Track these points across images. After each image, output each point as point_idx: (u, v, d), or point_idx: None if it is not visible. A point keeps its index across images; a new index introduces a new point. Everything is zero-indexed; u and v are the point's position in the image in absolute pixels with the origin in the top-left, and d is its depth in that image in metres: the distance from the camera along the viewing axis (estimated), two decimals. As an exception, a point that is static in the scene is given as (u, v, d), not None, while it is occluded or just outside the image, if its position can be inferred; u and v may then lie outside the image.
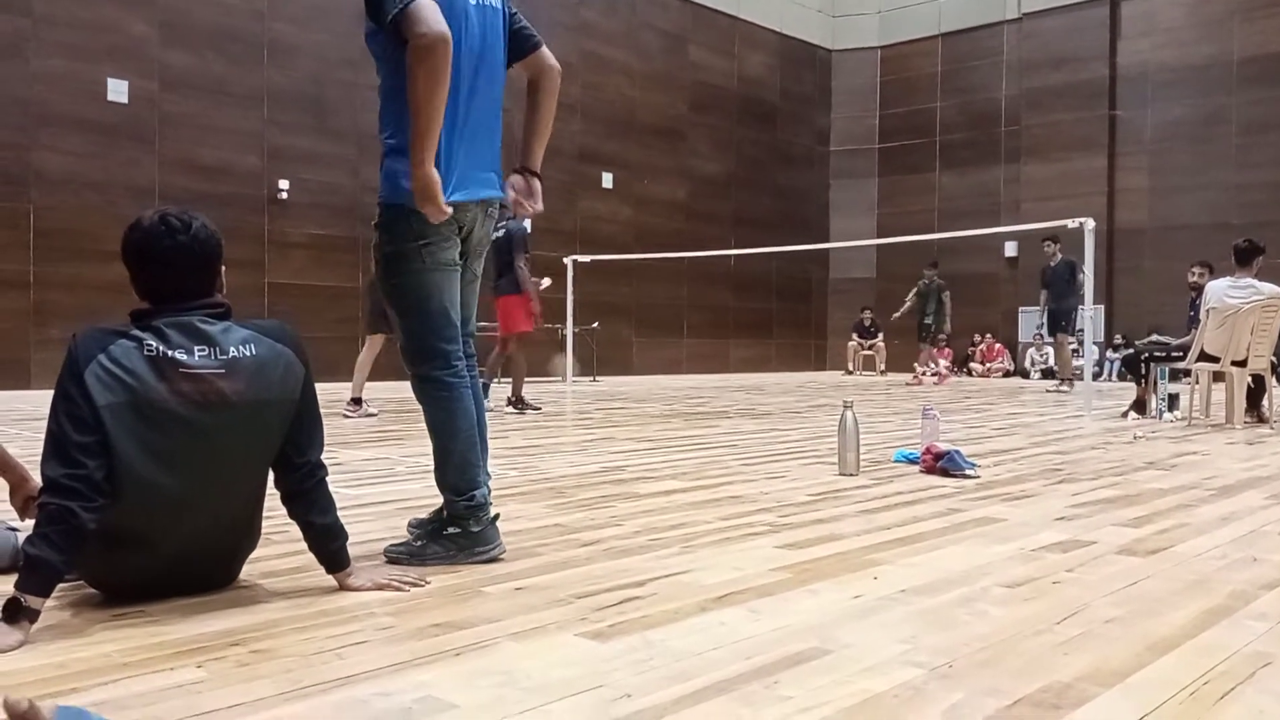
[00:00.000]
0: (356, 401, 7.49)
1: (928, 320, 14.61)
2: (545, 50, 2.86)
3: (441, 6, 2.53)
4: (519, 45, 2.82)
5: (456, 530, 2.68)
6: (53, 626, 2.04)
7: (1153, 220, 16.97)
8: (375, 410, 7.65)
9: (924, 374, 14.88)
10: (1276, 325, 7.59)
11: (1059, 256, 12.89)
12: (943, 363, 17.03)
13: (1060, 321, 12.89)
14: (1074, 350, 13.78)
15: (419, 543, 2.71)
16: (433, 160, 2.50)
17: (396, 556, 2.67)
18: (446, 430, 2.70)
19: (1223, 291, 7.56)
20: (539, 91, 2.85)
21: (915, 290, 14.86)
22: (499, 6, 2.76)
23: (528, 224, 8.11)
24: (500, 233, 7.81)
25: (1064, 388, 12.85)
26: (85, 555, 2.09)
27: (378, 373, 7.84)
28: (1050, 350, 13.98)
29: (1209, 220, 16.02)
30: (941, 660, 1.89)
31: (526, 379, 8.46)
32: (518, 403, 8.14)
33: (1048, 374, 17.06)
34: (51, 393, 2.11)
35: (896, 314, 15.19)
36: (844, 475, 4.46)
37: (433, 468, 2.76)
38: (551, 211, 15.40)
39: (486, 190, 2.75)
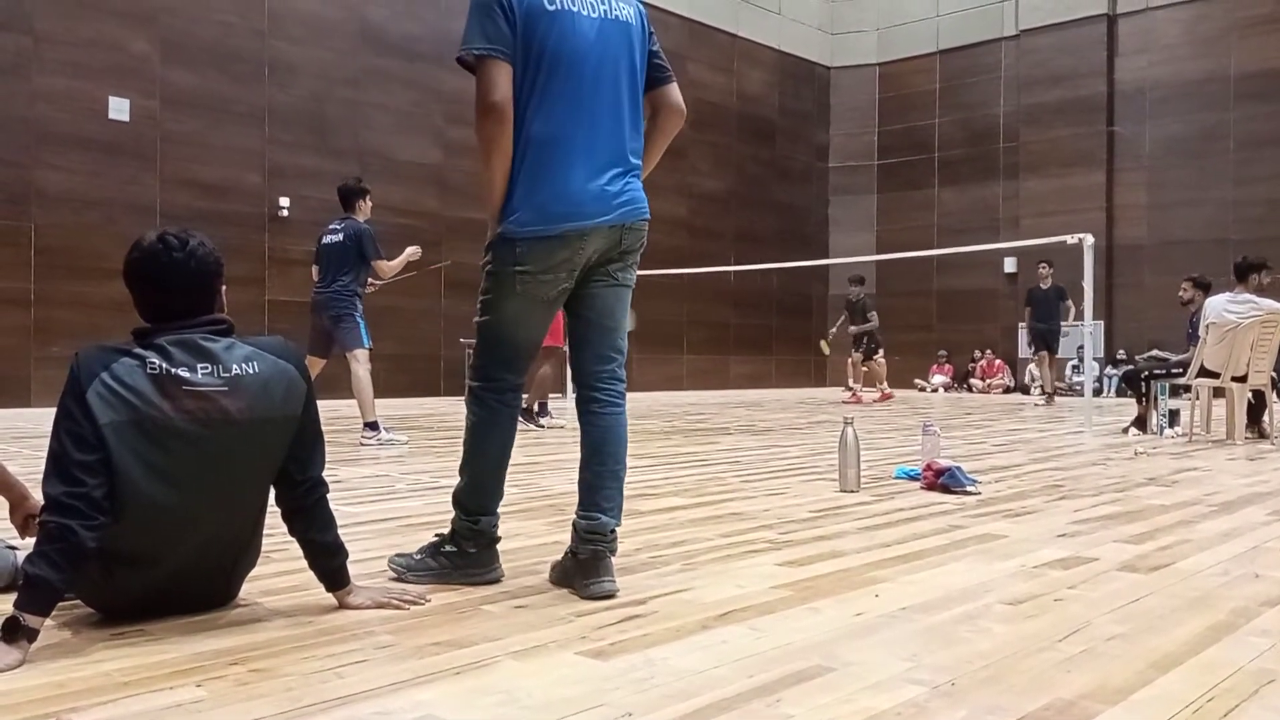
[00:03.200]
0: (370, 426, 7.18)
1: (862, 334, 14.33)
2: (673, 88, 2.82)
3: (546, 17, 2.48)
4: (650, 75, 2.74)
5: (454, 549, 2.67)
6: (52, 645, 2.03)
7: (1151, 236, 17.01)
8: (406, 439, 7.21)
9: (859, 389, 14.50)
10: (1276, 341, 7.59)
11: (1050, 281, 13.44)
12: (938, 379, 17.01)
13: (1048, 340, 13.55)
14: (1074, 366, 13.94)
15: (418, 555, 2.71)
16: (498, 208, 2.54)
17: (396, 568, 2.69)
18: (473, 448, 2.68)
19: (1222, 307, 7.56)
20: (653, 128, 2.78)
21: (845, 307, 14.54)
22: (631, 22, 2.65)
23: None
24: None
25: (1038, 399, 13.79)
26: (85, 574, 2.08)
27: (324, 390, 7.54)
28: (1045, 367, 14.16)
29: (1208, 236, 16.06)
30: (944, 678, 1.88)
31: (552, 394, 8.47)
32: (527, 414, 8.06)
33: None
34: (52, 411, 2.11)
35: (833, 330, 14.74)
36: (845, 492, 4.45)
37: (457, 484, 2.73)
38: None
39: (616, 215, 2.57)
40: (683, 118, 2.87)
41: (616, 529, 2.62)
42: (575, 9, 2.53)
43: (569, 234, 2.51)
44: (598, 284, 2.64)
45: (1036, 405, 13.40)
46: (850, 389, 14.27)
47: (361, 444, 6.74)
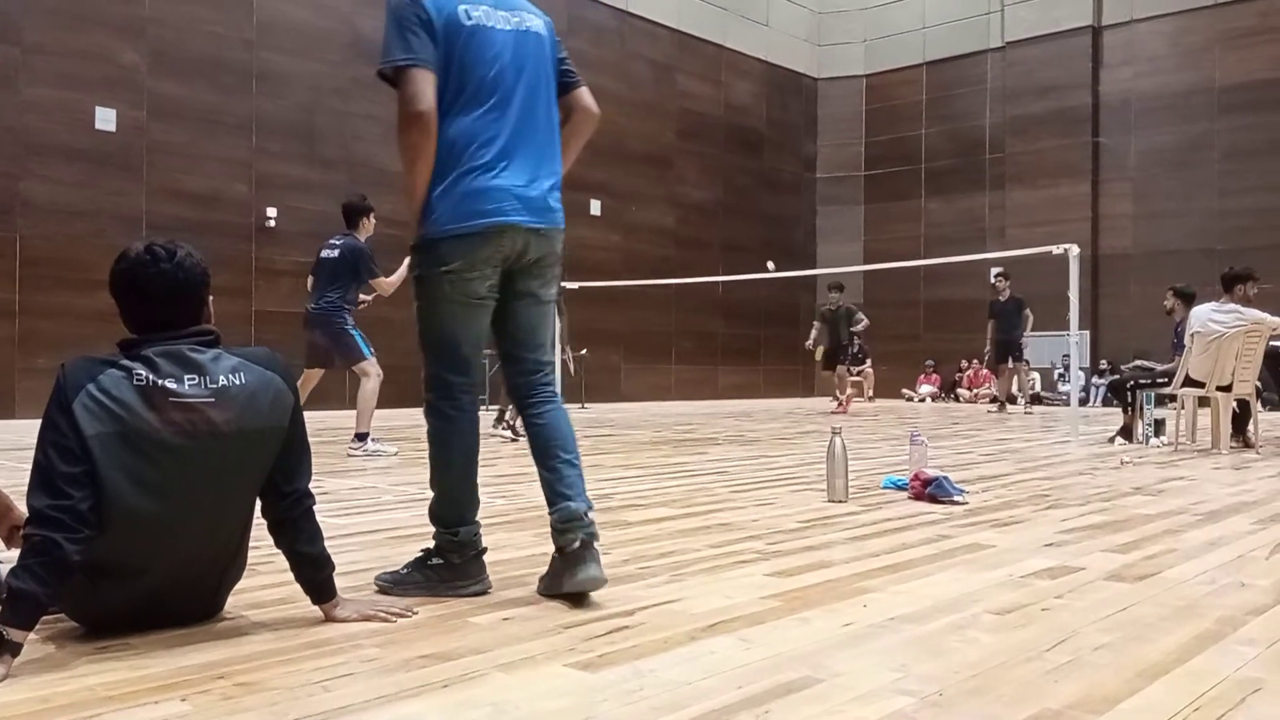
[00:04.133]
0: (359, 437, 7.06)
1: (844, 342, 14.06)
2: (585, 91, 2.89)
3: (465, 32, 2.57)
4: (561, 81, 2.83)
5: (440, 562, 2.66)
6: (35, 660, 2.02)
7: (1137, 246, 17.12)
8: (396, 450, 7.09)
9: (847, 398, 14.33)
10: (1261, 350, 7.64)
11: (1008, 292, 13.65)
12: (925, 389, 17.04)
13: (1013, 350, 13.72)
14: (1060, 375, 14.02)
15: (405, 570, 2.71)
16: (419, 215, 2.61)
17: (382, 584, 2.68)
18: (438, 461, 2.71)
19: (1207, 317, 7.61)
20: (569, 131, 2.86)
21: (818, 317, 14.23)
22: (543, 34, 2.76)
23: None
24: None
25: (1010, 410, 13.75)
26: (70, 587, 2.07)
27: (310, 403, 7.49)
28: (1022, 376, 14.24)
29: (1193, 246, 16.18)
30: (932, 688, 1.88)
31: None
32: (501, 422, 8.10)
33: (1036, 399, 17.16)
34: (37, 422, 2.10)
35: (808, 343, 14.40)
36: (833, 502, 4.46)
37: (431, 502, 2.75)
38: (540, 239, 15.49)
39: (536, 218, 2.65)
40: (596, 120, 2.93)
41: (591, 513, 2.65)
42: (491, 24, 2.63)
43: (489, 230, 2.58)
44: (522, 302, 2.73)
45: (1026, 413, 13.51)
46: (838, 399, 14.19)
47: (349, 454, 6.72)
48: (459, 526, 2.67)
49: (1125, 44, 17.40)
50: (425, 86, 2.52)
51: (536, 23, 2.76)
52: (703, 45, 18.46)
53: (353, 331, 7.04)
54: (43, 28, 10.89)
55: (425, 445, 2.75)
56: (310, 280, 7.20)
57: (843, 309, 14.07)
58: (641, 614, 2.44)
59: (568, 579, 2.54)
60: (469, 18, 2.58)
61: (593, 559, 2.56)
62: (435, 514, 2.70)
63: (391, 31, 2.54)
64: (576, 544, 2.57)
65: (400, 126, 2.54)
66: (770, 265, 16.02)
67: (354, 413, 7.07)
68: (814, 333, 14.08)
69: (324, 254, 7.10)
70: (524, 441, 7.80)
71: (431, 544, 2.72)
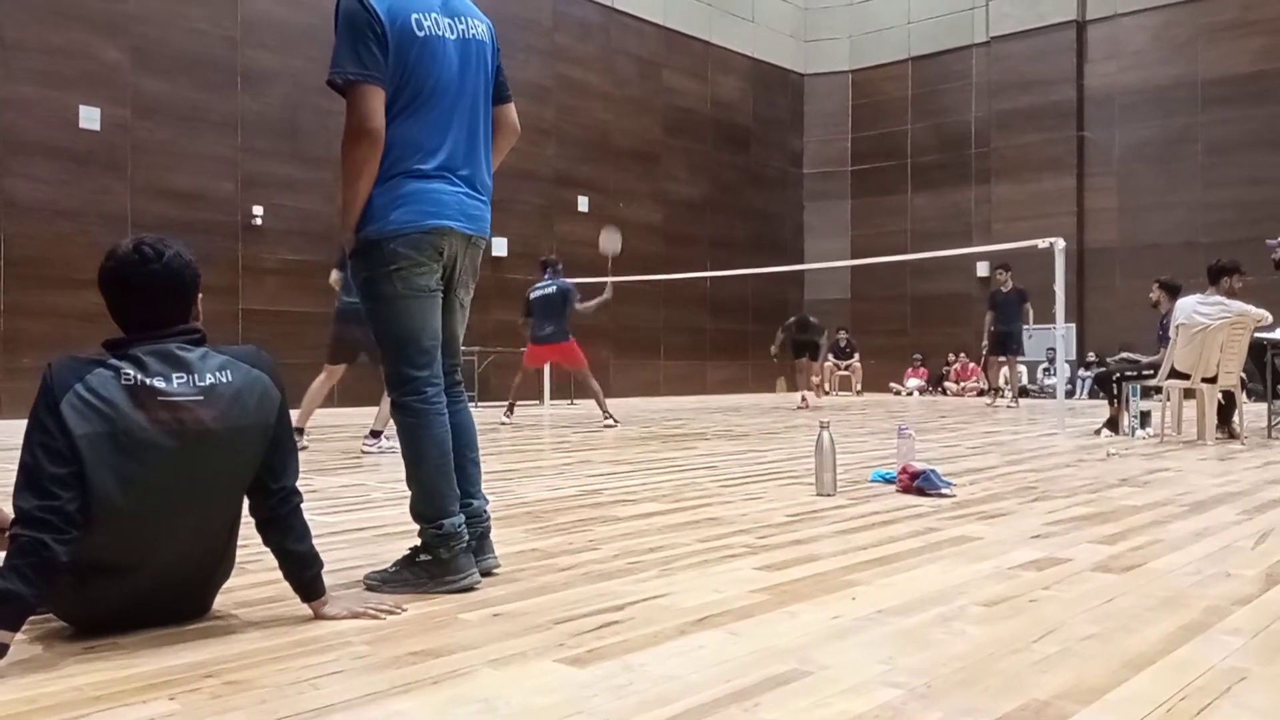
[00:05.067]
0: (298, 431, 7.08)
1: (814, 339, 14.09)
2: (511, 109, 2.94)
3: (417, 43, 2.60)
4: (494, 93, 2.86)
5: (428, 558, 2.65)
6: (22, 661, 2.01)
7: (1122, 239, 17.20)
8: (307, 444, 7.09)
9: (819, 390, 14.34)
10: (1245, 342, 7.69)
11: (1010, 284, 13.60)
12: (913, 382, 17.10)
13: (1010, 344, 13.67)
14: (1046, 368, 14.04)
15: (394, 568, 2.70)
16: (354, 226, 2.64)
17: (371, 583, 2.67)
18: (413, 456, 2.71)
19: (1192, 309, 7.65)
20: (493, 145, 2.90)
21: (788, 326, 14.17)
22: (485, 40, 2.80)
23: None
24: (553, 289, 9.88)
25: (999, 402, 13.94)
26: (57, 587, 2.06)
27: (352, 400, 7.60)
28: (1012, 369, 14.18)
29: (1177, 239, 16.27)
30: (920, 680, 1.89)
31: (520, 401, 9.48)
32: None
33: (1022, 392, 17.23)
34: (22, 423, 2.09)
35: (773, 348, 14.25)
36: (821, 496, 4.47)
37: (411, 499, 2.74)
38: (528, 235, 15.54)
39: (471, 225, 2.74)
40: (517, 137, 3.00)
41: (489, 507, 2.91)
42: (441, 33, 2.69)
43: (434, 230, 2.64)
44: (449, 311, 2.82)
45: (1009, 407, 13.50)
46: (805, 396, 14.27)
47: (363, 451, 6.79)
48: (442, 519, 2.66)
49: (1109, 38, 17.47)
50: (375, 103, 2.55)
51: (481, 29, 2.81)
52: (689, 41, 18.46)
53: None
54: (22, 25, 10.81)
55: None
56: (336, 276, 7.21)
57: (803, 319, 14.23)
58: (631, 609, 2.44)
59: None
60: (420, 28, 2.61)
61: (490, 549, 2.85)
62: (416, 510, 2.71)
63: (343, 40, 2.56)
64: (477, 534, 2.78)
65: (348, 141, 2.57)
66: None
67: (339, 411, 7.07)
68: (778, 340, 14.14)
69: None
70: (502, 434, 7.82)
71: (418, 541, 2.71)
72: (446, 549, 2.65)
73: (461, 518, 2.72)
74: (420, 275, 2.65)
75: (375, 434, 6.91)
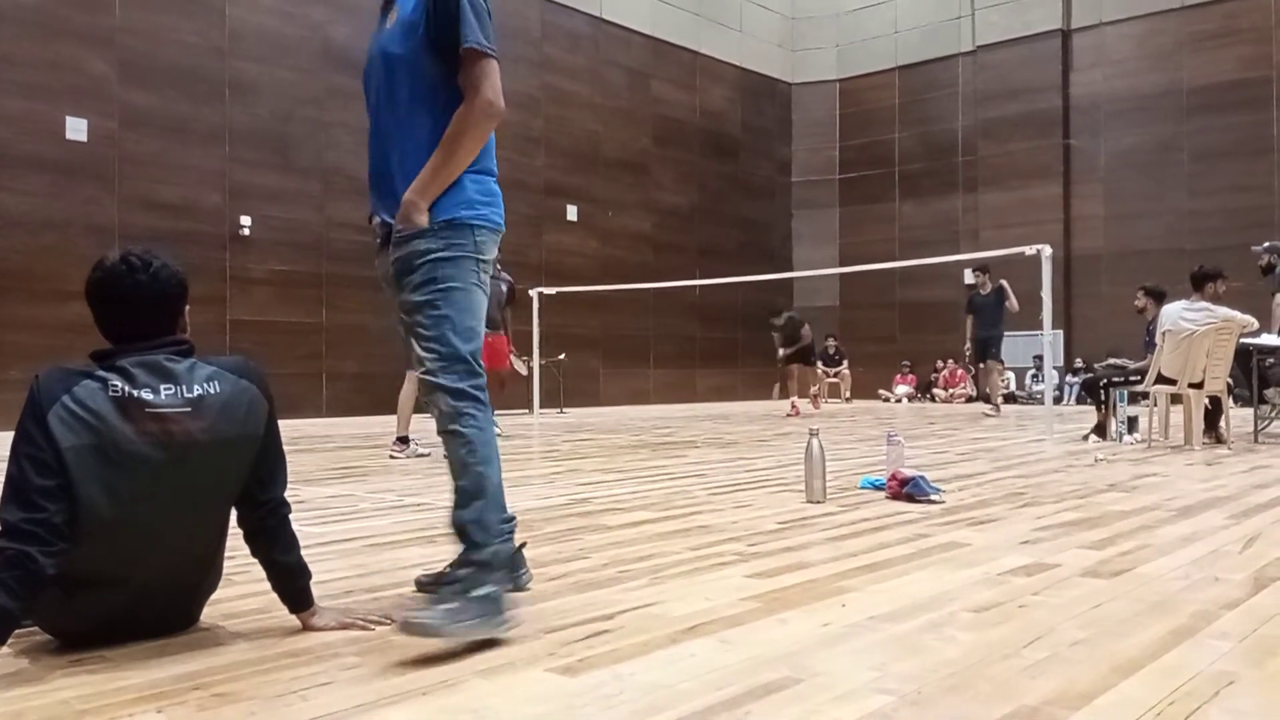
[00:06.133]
0: (403, 440, 7.13)
1: (803, 346, 13.94)
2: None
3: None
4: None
5: (486, 590, 2.24)
6: (8, 675, 1.99)
7: (1109, 246, 17.29)
8: (426, 450, 7.13)
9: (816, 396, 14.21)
10: (1231, 348, 7.73)
11: (989, 285, 13.15)
12: (901, 389, 17.12)
13: (990, 348, 13.19)
14: (1034, 374, 13.91)
15: (456, 602, 2.19)
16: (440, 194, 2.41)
17: (435, 622, 2.13)
18: (486, 455, 2.38)
19: (1178, 315, 7.70)
20: None
21: (780, 329, 14.05)
22: (398, 18, 2.48)
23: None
24: (504, 286, 9.10)
25: (990, 411, 13.24)
26: (43, 600, 2.04)
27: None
28: (994, 376, 13.66)
29: (1164, 246, 16.36)
30: (910, 687, 1.89)
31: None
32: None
33: (1008, 399, 17.27)
34: (8, 434, 2.08)
35: (780, 355, 14.16)
36: (811, 503, 4.47)
37: (465, 514, 2.33)
38: (518, 245, 15.51)
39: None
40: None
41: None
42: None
43: (500, 235, 2.56)
44: None
45: (987, 415, 12.97)
46: (794, 403, 14.11)
47: (391, 457, 6.88)
48: (507, 521, 2.42)
49: (1094, 47, 17.59)
50: (500, 85, 2.41)
51: None
52: (677, 51, 18.51)
53: None
54: (9, 37, 10.77)
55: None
56: None
57: (795, 318, 14.09)
58: (621, 617, 2.44)
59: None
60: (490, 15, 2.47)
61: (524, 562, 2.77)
62: (484, 523, 2.33)
63: (472, 14, 2.38)
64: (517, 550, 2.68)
65: (474, 116, 2.35)
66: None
67: (329, 421, 7.10)
68: (778, 340, 14.02)
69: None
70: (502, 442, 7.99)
71: (466, 569, 2.29)
72: (502, 572, 2.36)
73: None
74: (486, 272, 2.52)
75: (403, 440, 7.01)
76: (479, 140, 2.39)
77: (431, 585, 2.68)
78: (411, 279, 2.38)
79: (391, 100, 2.44)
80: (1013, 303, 12.91)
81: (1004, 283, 12.98)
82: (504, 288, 9.01)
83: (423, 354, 2.38)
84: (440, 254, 2.38)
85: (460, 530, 2.33)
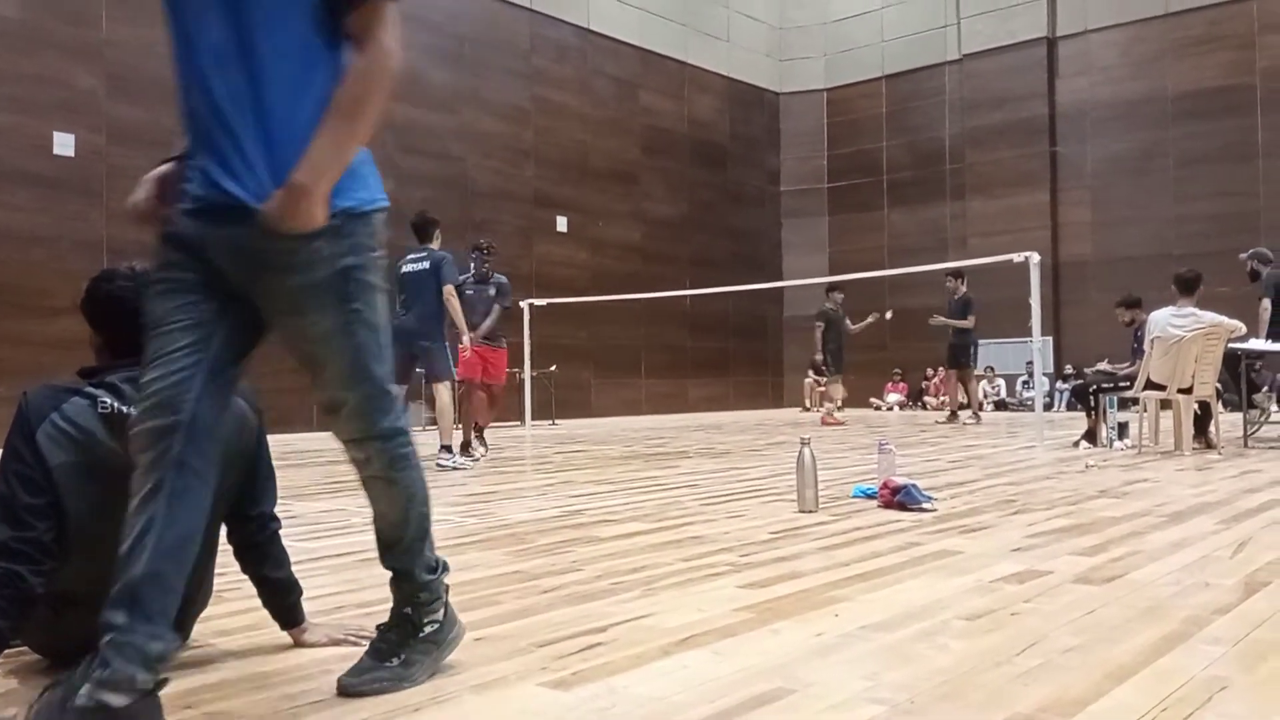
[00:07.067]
0: (461, 448, 7.49)
1: (832, 347, 13.28)
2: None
3: None
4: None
5: (435, 622, 2.09)
6: (-4, 695, 1.98)
7: (1096, 252, 17.38)
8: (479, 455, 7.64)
9: (835, 409, 13.71)
10: (1219, 353, 7.77)
11: (961, 290, 12.89)
12: (892, 397, 17.15)
13: (959, 356, 12.92)
14: (1024, 381, 13.82)
15: (398, 662, 2.03)
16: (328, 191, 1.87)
17: (377, 686, 1.99)
18: (425, 494, 2.11)
19: (1166, 321, 7.73)
20: None
21: (822, 318, 13.28)
22: None
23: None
24: (493, 290, 8.57)
25: (963, 417, 13.01)
26: (32, 619, 2.03)
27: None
28: (970, 384, 13.26)
29: (1151, 251, 16.44)
30: (903, 696, 1.89)
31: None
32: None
33: (1000, 406, 17.32)
34: (-4, 453, 2.07)
35: (818, 355, 13.67)
36: (804, 512, 4.47)
37: (398, 553, 2.10)
38: (508, 256, 15.49)
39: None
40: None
41: None
42: None
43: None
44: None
45: (966, 423, 12.75)
46: (826, 408, 13.79)
47: (439, 466, 6.98)
48: (441, 558, 2.19)
49: (1080, 54, 17.70)
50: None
51: None
52: (665, 61, 18.57)
53: (447, 347, 7.36)
54: (-3, 52, 10.76)
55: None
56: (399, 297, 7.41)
57: (839, 312, 13.31)
58: (614, 630, 2.43)
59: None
60: None
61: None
62: (428, 561, 2.12)
63: None
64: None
65: (381, 72, 1.85)
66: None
67: (319, 435, 7.12)
68: (817, 335, 13.22)
69: (407, 269, 7.37)
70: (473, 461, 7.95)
71: (407, 609, 2.09)
72: (445, 597, 2.16)
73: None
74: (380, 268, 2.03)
75: (449, 449, 7.19)
76: (382, 102, 1.88)
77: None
78: (310, 294, 1.88)
79: (241, 43, 1.84)
80: (970, 319, 12.56)
81: (969, 295, 12.71)
82: (492, 291, 8.43)
83: (343, 394, 1.96)
84: (347, 259, 1.90)
85: (407, 573, 2.10)
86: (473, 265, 8.54)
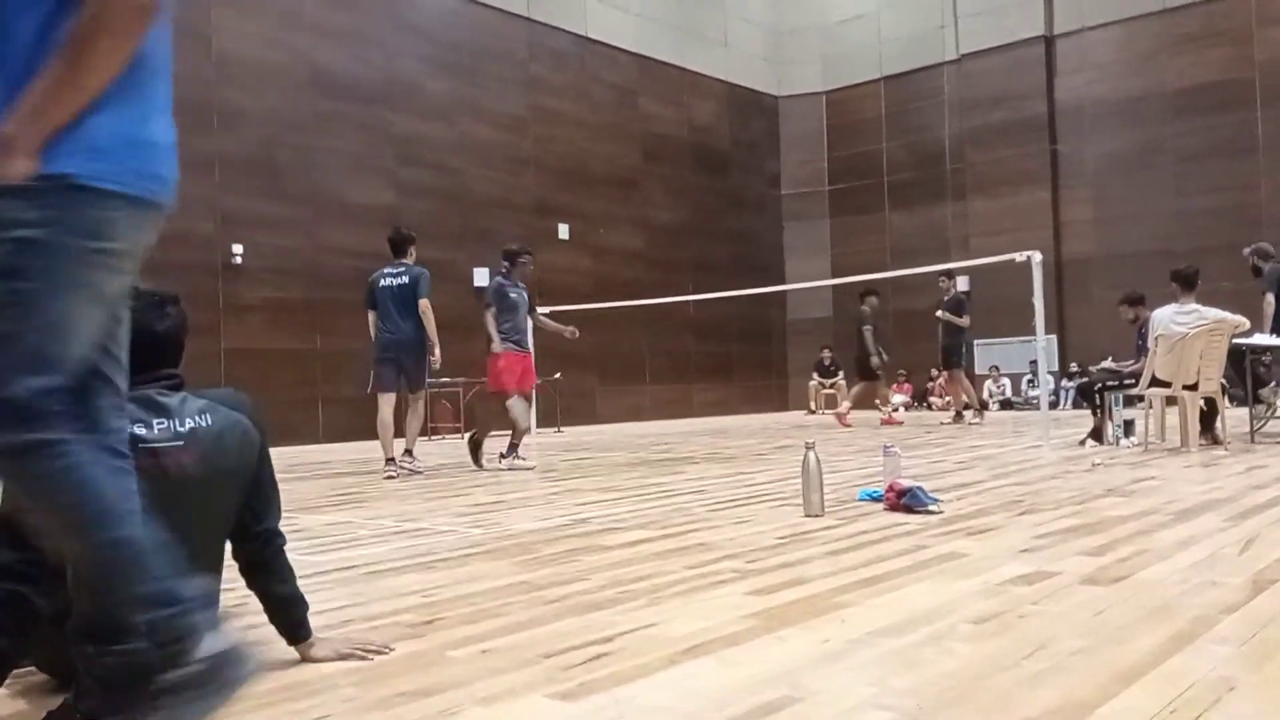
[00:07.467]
0: (407, 453, 7.63)
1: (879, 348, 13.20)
2: None
3: None
4: None
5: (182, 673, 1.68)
6: (6, 715, 1.99)
7: (1099, 250, 17.36)
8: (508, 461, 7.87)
9: (893, 410, 13.72)
10: (1224, 349, 7.75)
11: (954, 290, 12.81)
12: (898, 398, 17.17)
13: (951, 357, 12.78)
14: (1029, 380, 13.79)
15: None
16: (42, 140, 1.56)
17: None
18: (94, 512, 1.71)
19: (1169, 318, 7.72)
20: None
21: (870, 320, 13.24)
22: None
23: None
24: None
25: (975, 419, 12.92)
26: (39, 640, 2.03)
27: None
28: (958, 385, 13.10)
29: (1153, 248, 16.42)
30: (910, 701, 1.89)
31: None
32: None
33: (1005, 405, 17.30)
34: None
35: (883, 358, 13.40)
36: (809, 517, 4.47)
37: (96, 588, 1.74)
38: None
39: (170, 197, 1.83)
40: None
41: None
42: None
43: (156, 207, 1.76)
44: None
45: (973, 423, 12.71)
46: (883, 410, 13.49)
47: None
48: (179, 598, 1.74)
49: (1077, 52, 17.70)
50: None
51: None
52: (663, 68, 18.59)
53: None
54: (-2, 72, 10.79)
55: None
56: (372, 314, 7.59)
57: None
58: (620, 640, 2.43)
59: None
60: None
61: None
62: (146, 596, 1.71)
63: None
64: None
65: (112, 13, 1.56)
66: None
67: (326, 447, 7.20)
68: (868, 338, 12.98)
69: (385, 283, 7.53)
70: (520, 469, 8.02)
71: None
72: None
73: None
74: (116, 269, 1.69)
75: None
76: (124, 45, 1.59)
77: None
78: None
79: None
80: (965, 320, 12.44)
81: (961, 295, 12.69)
82: (526, 294, 8.36)
83: None
84: (29, 231, 1.55)
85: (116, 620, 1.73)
86: (517, 271, 8.21)
